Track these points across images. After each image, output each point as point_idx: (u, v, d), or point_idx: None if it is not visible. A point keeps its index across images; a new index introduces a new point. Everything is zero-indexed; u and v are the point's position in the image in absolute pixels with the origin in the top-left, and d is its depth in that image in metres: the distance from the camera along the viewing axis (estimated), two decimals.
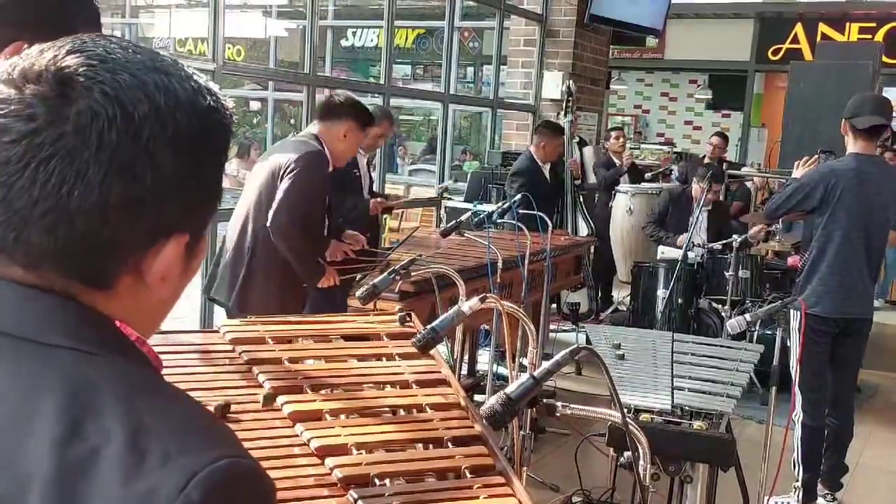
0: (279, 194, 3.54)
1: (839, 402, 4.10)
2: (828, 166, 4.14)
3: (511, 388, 1.50)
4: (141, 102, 0.70)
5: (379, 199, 4.74)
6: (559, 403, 1.58)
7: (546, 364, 1.51)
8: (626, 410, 2.73)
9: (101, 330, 0.74)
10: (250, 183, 3.75)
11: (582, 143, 7.10)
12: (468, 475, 1.63)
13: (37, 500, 0.64)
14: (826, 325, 3.93)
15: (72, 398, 0.67)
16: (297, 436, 1.67)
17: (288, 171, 3.56)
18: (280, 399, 1.79)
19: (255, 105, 16.02)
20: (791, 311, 3.90)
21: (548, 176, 6.27)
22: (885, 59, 8.00)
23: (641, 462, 1.66)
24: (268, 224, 3.55)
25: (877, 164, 4.07)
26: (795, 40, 11.68)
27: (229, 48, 13.59)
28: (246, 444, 1.61)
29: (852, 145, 3.98)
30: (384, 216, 5.75)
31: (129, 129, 0.69)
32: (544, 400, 1.55)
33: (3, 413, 0.68)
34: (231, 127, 0.79)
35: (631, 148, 10.86)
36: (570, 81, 7.23)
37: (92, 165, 0.69)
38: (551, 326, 6.05)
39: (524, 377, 1.50)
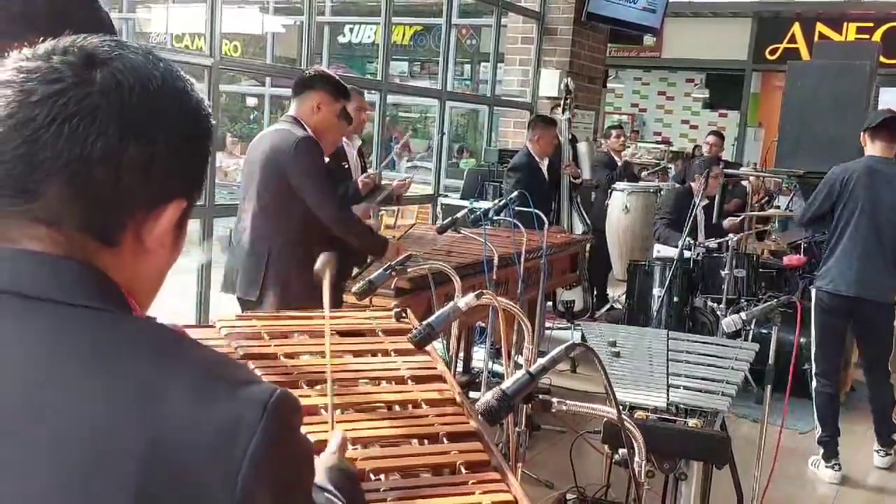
0: (309, 197, 3.45)
1: (870, 369, 4.61)
2: (842, 166, 4.53)
3: (507, 384, 1.49)
4: (154, 77, 0.81)
5: (367, 174, 4.56)
6: (555, 399, 1.58)
7: (542, 360, 1.51)
8: (621, 407, 2.73)
9: (116, 294, 0.82)
10: (246, 181, 3.66)
11: (574, 140, 7.09)
12: (463, 471, 1.63)
13: (128, 444, 0.71)
14: (838, 301, 4.41)
15: (113, 348, 0.76)
16: None
17: (292, 168, 3.45)
18: None
19: (251, 101, 15.99)
20: (813, 292, 4.52)
21: (545, 172, 6.26)
22: (882, 59, 8.02)
23: (637, 459, 1.66)
24: (326, 223, 3.49)
25: (890, 165, 4.39)
26: (793, 40, 11.70)
27: (226, 44, 13.54)
28: None
29: (870, 149, 4.40)
30: (379, 212, 5.64)
31: (146, 96, 0.80)
32: (540, 396, 1.55)
33: (42, 368, 0.74)
34: (211, 127, 0.90)
35: (627, 146, 10.89)
36: (569, 79, 7.23)
37: (112, 123, 0.77)
38: (547, 324, 6.06)
39: (520, 373, 1.50)
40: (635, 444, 1.62)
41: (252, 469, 0.74)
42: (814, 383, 4.61)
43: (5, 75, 0.78)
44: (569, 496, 3.66)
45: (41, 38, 0.83)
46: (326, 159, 3.76)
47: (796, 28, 11.67)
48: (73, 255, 0.80)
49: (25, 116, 0.76)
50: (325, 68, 3.99)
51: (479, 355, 5.51)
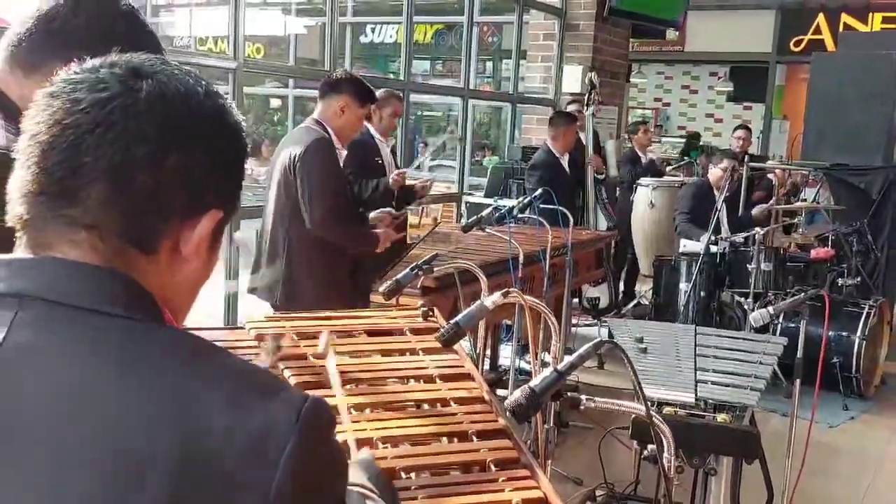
0: (303, 195, 3.47)
1: None
2: None
3: (535, 382, 1.50)
4: (197, 93, 0.84)
5: (397, 172, 4.60)
6: (583, 397, 1.59)
7: (569, 357, 1.51)
8: (649, 404, 2.73)
9: (150, 305, 0.83)
10: (270, 181, 3.72)
11: (597, 136, 7.06)
12: (493, 468, 1.64)
13: (163, 447, 0.72)
14: None
15: (149, 356, 0.77)
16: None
17: (299, 167, 3.48)
18: None
19: (275, 102, 16.08)
20: None
21: (567, 168, 6.25)
22: None
23: (665, 454, 1.67)
24: (308, 227, 3.49)
25: None
26: (818, 31, 11.56)
27: (249, 46, 13.64)
28: None
29: None
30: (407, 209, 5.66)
31: (190, 107, 0.83)
32: (568, 393, 1.56)
33: (80, 375, 0.75)
34: (248, 153, 0.92)
35: (653, 142, 10.80)
36: (593, 74, 7.20)
37: (156, 130, 0.79)
38: (573, 321, 6.05)
39: (548, 371, 1.51)
40: (664, 440, 1.63)
41: (286, 475, 0.74)
42: None
43: (54, 88, 0.81)
44: (598, 492, 3.66)
45: (88, 57, 0.85)
46: (344, 153, 3.77)
47: (821, 19, 11.53)
48: (110, 263, 0.81)
49: (72, 122, 0.78)
50: (351, 71, 4.00)
51: (506, 353, 5.52)
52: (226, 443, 0.73)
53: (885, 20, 11.03)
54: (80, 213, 0.79)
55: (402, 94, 5.03)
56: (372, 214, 3.88)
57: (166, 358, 0.77)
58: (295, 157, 3.51)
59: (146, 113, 0.79)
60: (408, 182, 4.72)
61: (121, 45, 0.91)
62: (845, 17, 11.28)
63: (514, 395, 1.50)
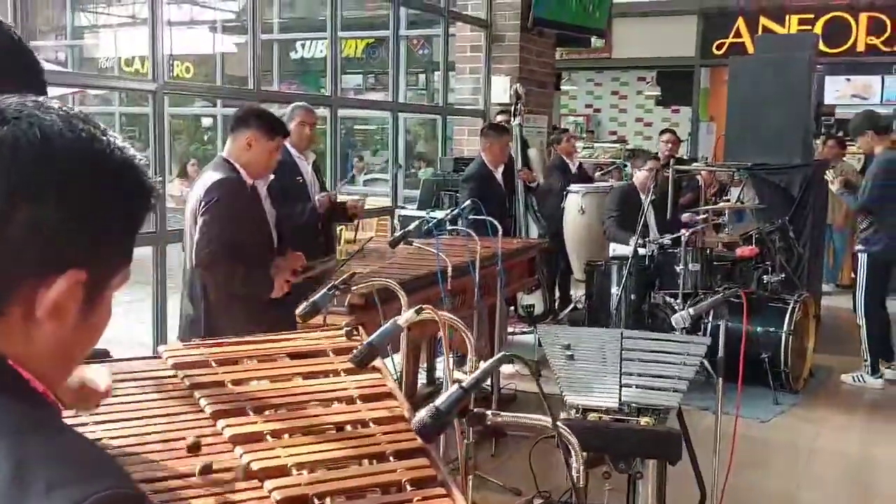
0: (196, 233, 3.42)
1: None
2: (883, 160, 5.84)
3: (440, 400, 1.51)
4: (62, 137, 0.76)
5: (324, 194, 4.59)
6: (489, 412, 1.60)
7: (475, 373, 1.53)
8: (574, 411, 2.76)
9: None
10: (185, 218, 3.62)
11: (525, 146, 7.13)
12: (409, 488, 1.64)
13: None
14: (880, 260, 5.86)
15: None
16: (237, 459, 1.67)
17: (201, 206, 3.43)
18: (220, 423, 1.79)
19: (206, 122, 15.90)
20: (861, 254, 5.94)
21: (500, 180, 6.29)
22: (825, 48, 8.15)
23: (574, 464, 1.69)
24: (194, 258, 3.44)
25: None
26: (738, 34, 11.87)
27: (178, 65, 13.46)
28: (183, 470, 1.61)
29: (880, 146, 5.85)
30: (338, 226, 5.62)
31: (47, 156, 0.75)
32: (475, 409, 1.57)
33: None
34: (149, 195, 0.83)
35: (585, 147, 10.97)
36: (518, 85, 7.28)
37: (2, 182, 0.73)
38: (509, 329, 6.09)
39: (453, 387, 1.52)
40: (572, 450, 1.65)
41: None
42: (860, 318, 5.93)
43: None
44: (535, 501, 3.68)
45: None
46: (272, 177, 3.74)
47: (741, 22, 11.84)
48: None
49: None
50: (258, 104, 3.94)
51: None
52: None
53: (800, 22, 11.38)
54: None
55: (313, 109, 4.97)
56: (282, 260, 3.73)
57: None
58: (199, 197, 3.46)
59: None
60: (339, 199, 4.70)
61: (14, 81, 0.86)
62: (763, 20, 11.60)
63: (420, 414, 1.51)
